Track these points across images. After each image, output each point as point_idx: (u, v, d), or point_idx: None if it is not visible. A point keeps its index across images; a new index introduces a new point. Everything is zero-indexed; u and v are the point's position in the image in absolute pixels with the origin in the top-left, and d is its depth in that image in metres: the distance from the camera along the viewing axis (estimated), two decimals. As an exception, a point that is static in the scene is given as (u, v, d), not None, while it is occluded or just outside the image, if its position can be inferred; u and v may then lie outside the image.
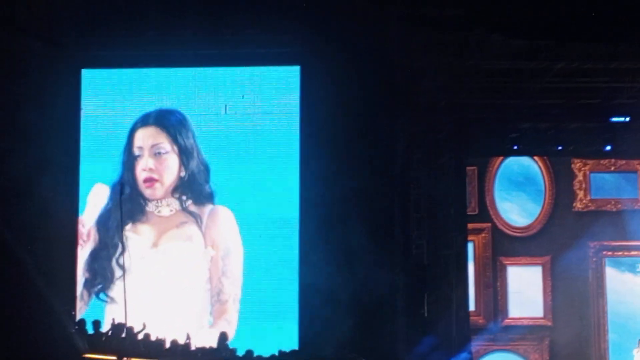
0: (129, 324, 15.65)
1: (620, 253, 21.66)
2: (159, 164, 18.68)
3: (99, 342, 15.18)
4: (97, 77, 18.87)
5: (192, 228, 18.48)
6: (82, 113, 18.73)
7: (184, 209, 18.55)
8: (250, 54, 18.37)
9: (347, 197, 17.74)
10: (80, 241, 18.59)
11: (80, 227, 18.62)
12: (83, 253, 18.62)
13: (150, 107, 18.83)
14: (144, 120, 18.78)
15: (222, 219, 18.47)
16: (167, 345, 16.05)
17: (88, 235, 18.63)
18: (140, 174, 18.67)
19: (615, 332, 21.47)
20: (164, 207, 18.58)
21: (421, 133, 18.95)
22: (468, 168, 20.67)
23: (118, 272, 18.38)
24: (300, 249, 18.07)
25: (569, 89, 19.01)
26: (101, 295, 18.55)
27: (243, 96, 18.57)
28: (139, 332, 15.75)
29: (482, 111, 19.37)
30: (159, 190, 18.62)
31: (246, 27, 18.07)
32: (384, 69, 17.79)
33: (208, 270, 18.35)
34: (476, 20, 17.15)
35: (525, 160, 21.84)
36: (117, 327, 15.65)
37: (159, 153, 18.67)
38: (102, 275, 18.54)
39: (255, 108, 18.55)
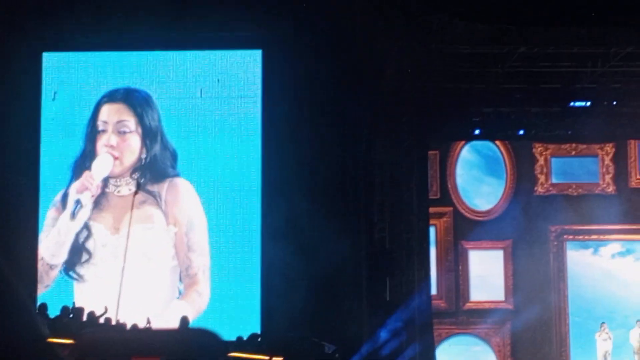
0: (91, 309, 15.61)
1: (581, 237, 21.74)
2: (122, 141, 18.63)
3: (60, 325, 15.08)
4: (61, 60, 18.77)
5: (151, 208, 18.40)
6: (54, 96, 18.60)
7: (142, 189, 18.47)
8: (212, 38, 18.32)
9: (310, 181, 17.74)
10: (92, 192, 18.52)
11: (91, 180, 18.51)
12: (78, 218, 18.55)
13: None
14: (112, 96, 18.72)
15: (182, 193, 18.44)
16: (128, 328, 15.98)
17: (97, 189, 18.58)
18: (102, 148, 18.60)
19: (578, 315, 21.56)
20: (123, 186, 18.52)
21: (384, 117, 18.94)
22: (430, 152, 20.67)
23: (85, 256, 18.40)
24: (262, 233, 18.07)
25: (531, 74, 19.10)
26: (71, 273, 18.48)
27: (218, 80, 18.53)
28: (100, 316, 15.68)
29: (445, 95, 19.39)
30: (117, 167, 18.57)
31: (209, 11, 17.99)
32: (347, 53, 17.77)
33: (173, 247, 18.30)
34: (439, 6, 17.17)
35: (487, 145, 21.88)
36: (78, 311, 15.58)
37: (123, 132, 18.61)
38: (71, 252, 18.51)
39: (223, 91, 18.51)
